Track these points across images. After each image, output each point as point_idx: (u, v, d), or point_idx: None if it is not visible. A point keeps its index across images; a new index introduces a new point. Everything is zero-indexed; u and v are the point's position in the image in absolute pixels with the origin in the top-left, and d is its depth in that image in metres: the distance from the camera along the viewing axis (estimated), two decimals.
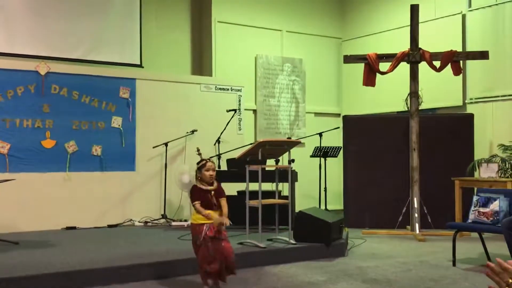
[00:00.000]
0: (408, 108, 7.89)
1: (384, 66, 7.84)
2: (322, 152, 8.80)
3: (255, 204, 5.88)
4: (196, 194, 4.51)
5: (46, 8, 8.05)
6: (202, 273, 4.43)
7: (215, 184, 4.58)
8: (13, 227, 7.02)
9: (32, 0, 7.95)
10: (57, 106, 7.60)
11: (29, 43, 7.91)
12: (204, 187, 4.51)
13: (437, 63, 7.73)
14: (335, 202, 9.91)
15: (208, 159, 4.60)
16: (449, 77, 8.00)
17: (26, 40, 7.89)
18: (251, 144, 7.34)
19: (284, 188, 8.16)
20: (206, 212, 4.42)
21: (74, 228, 7.47)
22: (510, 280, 1.67)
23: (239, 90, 9.24)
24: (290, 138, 9.02)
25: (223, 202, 4.57)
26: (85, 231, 7.31)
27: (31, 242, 6.25)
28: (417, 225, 7.54)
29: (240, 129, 9.17)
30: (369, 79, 7.89)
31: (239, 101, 9.20)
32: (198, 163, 4.58)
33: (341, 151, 8.76)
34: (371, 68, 7.84)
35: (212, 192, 4.53)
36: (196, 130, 8.48)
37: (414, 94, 7.81)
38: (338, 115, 10.84)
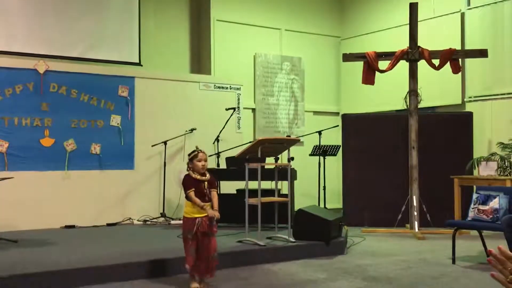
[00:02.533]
0: (407, 106, 7.89)
1: (383, 64, 7.84)
2: (321, 151, 8.80)
3: (255, 202, 5.87)
4: (189, 183, 4.51)
5: (45, 6, 8.03)
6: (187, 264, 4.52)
7: (208, 175, 4.60)
8: (12, 225, 7.01)
9: None
10: (56, 105, 7.58)
11: (27, 42, 7.90)
12: (198, 177, 4.52)
13: (436, 61, 7.72)
14: (334, 201, 9.90)
15: (200, 149, 4.61)
16: (448, 75, 7.99)
17: (24, 38, 7.88)
18: (250, 142, 7.33)
19: (283, 186, 8.14)
20: (201, 203, 4.43)
21: (73, 226, 7.45)
22: None
23: (238, 89, 9.22)
24: (289, 136, 9.00)
25: (214, 193, 4.60)
26: (84, 230, 7.30)
27: (30, 240, 6.24)
28: (416, 223, 7.54)
29: (239, 128, 9.16)
30: (368, 78, 7.88)
31: (238, 99, 9.19)
32: (189, 154, 4.62)
33: (340, 150, 8.75)
34: (370, 66, 7.83)
35: (206, 182, 4.55)
36: (195, 129, 8.47)
37: (413, 92, 7.81)
38: (337, 113, 10.84)
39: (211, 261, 4.51)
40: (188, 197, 4.48)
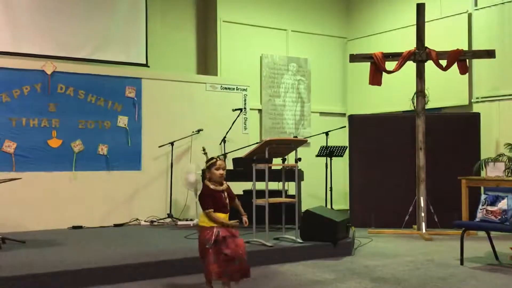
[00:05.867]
0: (414, 107, 7.88)
1: (390, 65, 7.83)
2: (328, 152, 8.79)
3: (262, 203, 5.87)
4: (208, 198, 4.25)
5: (52, 8, 8.06)
6: (207, 275, 4.24)
7: (225, 184, 4.37)
8: (20, 226, 7.03)
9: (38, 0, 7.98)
10: (63, 106, 7.60)
11: (35, 43, 7.93)
12: (217, 188, 4.30)
13: (443, 62, 7.71)
14: (341, 202, 9.89)
15: (218, 157, 4.42)
16: (456, 76, 7.98)
17: (32, 39, 7.91)
18: (256, 143, 7.33)
19: (290, 187, 8.13)
20: (225, 221, 4.22)
21: (80, 227, 7.47)
22: None
23: (245, 90, 9.23)
24: (296, 137, 9.00)
25: (237, 202, 4.47)
26: (92, 230, 7.31)
27: (38, 241, 6.26)
28: (423, 224, 7.52)
29: (245, 129, 9.16)
30: (375, 78, 7.87)
31: (245, 100, 9.20)
32: (207, 162, 4.39)
33: (347, 151, 8.74)
34: (377, 67, 7.82)
35: (225, 192, 4.33)
36: (201, 130, 8.48)
37: (420, 93, 7.79)
38: (344, 114, 10.83)
39: (243, 262, 4.23)
40: (209, 217, 4.22)
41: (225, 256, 4.16)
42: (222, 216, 4.28)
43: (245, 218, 4.44)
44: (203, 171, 4.45)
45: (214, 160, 4.35)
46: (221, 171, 4.32)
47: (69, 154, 7.62)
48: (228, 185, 4.44)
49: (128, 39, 8.70)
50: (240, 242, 4.27)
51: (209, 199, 4.26)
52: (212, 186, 4.31)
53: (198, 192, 7.67)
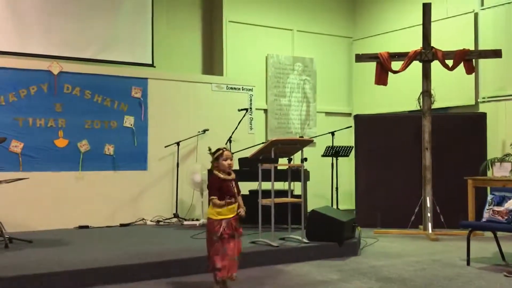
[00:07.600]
0: (420, 107, 7.85)
1: (396, 65, 7.81)
2: (334, 152, 8.78)
3: (268, 203, 5.87)
4: (215, 185, 4.37)
5: (58, 8, 8.09)
6: (212, 269, 4.35)
7: (233, 174, 4.47)
8: (26, 226, 7.06)
9: (44, 0, 7.99)
10: (69, 106, 7.63)
11: (42, 43, 7.95)
12: (225, 177, 4.39)
13: (449, 62, 7.69)
14: (347, 202, 9.88)
15: (225, 148, 4.49)
16: (462, 76, 7.95)
17: (39, 40, 7.93)
18: (262, 143, 7.33)
19: (296, 187, 8.14)
20: (225, 205, 4.33)
21: (86, 227, 7.50)
22: None
23: (250, 90, 9.24)
24: (302, 137, 8.99)
25: (239, 198, 4.50)
26: (98, 230, 7.34)
27: (44, 240, 6.28)
28: (429, 225, 7.50)
29: (251, 129, 9.17)
30: (381, 78, 7.86)
31: (250, 100, 9.21)
32: (214, 152, 4.46)
33: (353, 151, 8.73)
34: (383, 67, 7.81)
35: (233, 182, 4.44)
36: (207, 130, 8.49)
37: (426, 93, 7.77)
38: (349, 114, 10.82)
39: (236, 262, 4.38)
40: (212, 203, 4.34)
41: (223, 254, 4.29)
42: (230, 206, 4.38)
43: (241, 210, 4.48)
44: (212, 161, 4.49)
45: (221, 151, 4.44)
46: (228, 161, 4.42)
47: (75, 154, 7.65)
48: (235, 176, 4.51)
49: (134, 39, 8.72)
50: (239, 243, 4.42)
51: (216, 187, 4.37)
52: (221, 175, 4.40)
53: (204, 192, 7.72)
